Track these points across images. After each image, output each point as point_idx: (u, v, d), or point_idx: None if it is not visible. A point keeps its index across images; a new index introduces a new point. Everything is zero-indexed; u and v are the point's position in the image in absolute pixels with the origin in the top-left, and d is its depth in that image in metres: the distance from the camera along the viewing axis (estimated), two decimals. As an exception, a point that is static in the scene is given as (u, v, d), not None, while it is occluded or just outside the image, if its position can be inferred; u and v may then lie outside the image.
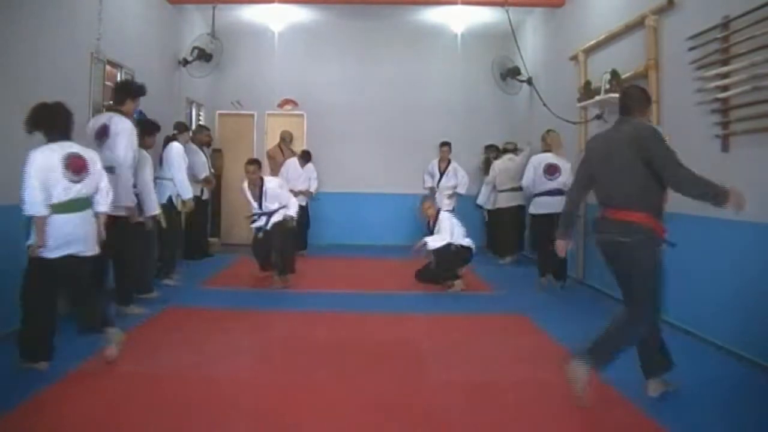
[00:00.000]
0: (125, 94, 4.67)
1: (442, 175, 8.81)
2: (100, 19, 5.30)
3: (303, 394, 3.17)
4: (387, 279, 6.73)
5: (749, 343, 3.72)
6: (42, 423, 2.73)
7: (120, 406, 2.94)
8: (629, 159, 2.95)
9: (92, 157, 3.57)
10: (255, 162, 6.10)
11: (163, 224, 5.46)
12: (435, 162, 8.94)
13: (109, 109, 4.92)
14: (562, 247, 3.34)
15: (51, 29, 4.56)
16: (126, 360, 3.59)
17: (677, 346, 4.11)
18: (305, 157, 8.39)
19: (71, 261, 3.41)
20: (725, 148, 4.02)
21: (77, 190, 3.41)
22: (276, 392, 3.20)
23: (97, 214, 3.60)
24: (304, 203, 8.30)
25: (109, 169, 4.59)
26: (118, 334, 3.55)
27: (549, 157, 6.12)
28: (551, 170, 6.06)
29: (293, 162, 8.35)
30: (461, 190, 8.62)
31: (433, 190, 8.80)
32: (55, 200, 3.32)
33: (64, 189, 3.35)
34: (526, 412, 3.03)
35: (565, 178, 5.93)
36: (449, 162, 8.85)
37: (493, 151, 8.82)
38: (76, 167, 3.41)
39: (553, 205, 5.74)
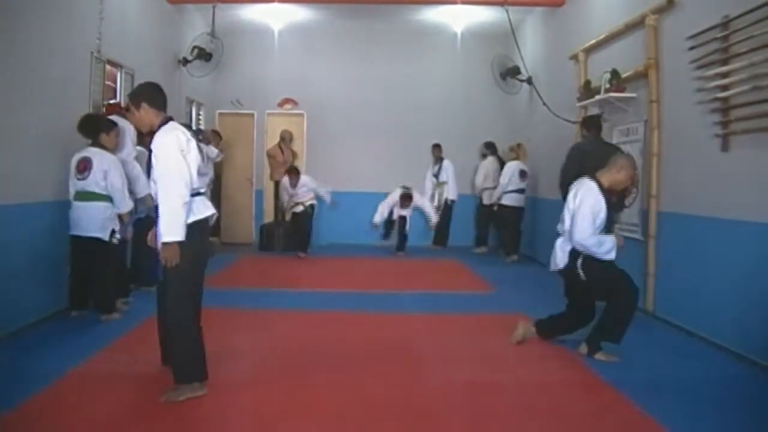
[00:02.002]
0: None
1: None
2: (100, 19, 5.29)
3: (303, 394, 3.17)
4: (387, 279, 6.73)
5: (749, 343, 3.72)
6: (42, 423, 2.73)
7: (119, 406, 2.94)
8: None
9: (100, 160, 4.41)
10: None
11: None
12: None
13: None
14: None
15: (51, 29, 4.55)
16: (126, 359, 3.60)
17: (678, 346, 4.15)
18: (293, 177, 7.99)
19: (76, 240, 4.43)
20: (725, 147, 4.02)
21: (81, 185, 4.40)
22: (275, 392, 3.20)
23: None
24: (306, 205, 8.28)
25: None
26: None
27: (521, 164, 7.98)
28: (523, 174, 7.92)
29: (284, 181, 8.13)
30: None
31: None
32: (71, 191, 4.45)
33: (72, 183, 4.43)
34: (526, 412, 3.03)
35: (530, 181, 8.03)
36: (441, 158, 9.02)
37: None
38: (80, 168, 4.41)
39: (520, 200, 7.95)
